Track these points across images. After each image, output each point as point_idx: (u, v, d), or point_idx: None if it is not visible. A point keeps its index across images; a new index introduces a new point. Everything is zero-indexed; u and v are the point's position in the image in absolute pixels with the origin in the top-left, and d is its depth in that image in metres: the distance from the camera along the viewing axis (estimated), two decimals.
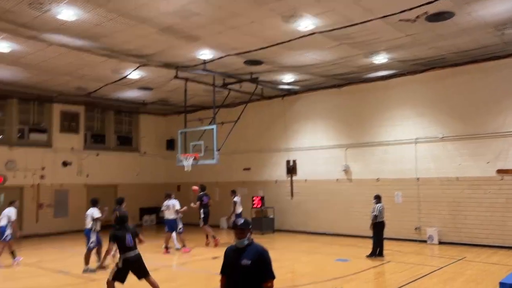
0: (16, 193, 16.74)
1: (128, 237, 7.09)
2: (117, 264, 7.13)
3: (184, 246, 12.76)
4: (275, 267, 4.03)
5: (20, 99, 17.02)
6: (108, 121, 20.24)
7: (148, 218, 20.81)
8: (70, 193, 18.21)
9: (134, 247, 7.16)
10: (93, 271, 9.98)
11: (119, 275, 7.01)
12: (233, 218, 13.75)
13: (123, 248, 7.07)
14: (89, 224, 10.24)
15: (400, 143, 14.37)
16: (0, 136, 16.65)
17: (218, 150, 13.68)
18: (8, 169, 16.44)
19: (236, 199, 14.61)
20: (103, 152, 19.54)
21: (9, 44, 10.96)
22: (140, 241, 7.33)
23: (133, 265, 7.07)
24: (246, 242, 4.05)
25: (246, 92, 15.64)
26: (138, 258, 7.17)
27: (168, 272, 10.13)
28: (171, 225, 12.72)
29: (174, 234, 12.83)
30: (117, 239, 7.09)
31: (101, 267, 10.16)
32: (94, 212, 10.29)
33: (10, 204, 11.33)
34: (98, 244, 10.37)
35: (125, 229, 7.18)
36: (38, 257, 12.27)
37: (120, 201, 11.37)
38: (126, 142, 20.78)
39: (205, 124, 14.94)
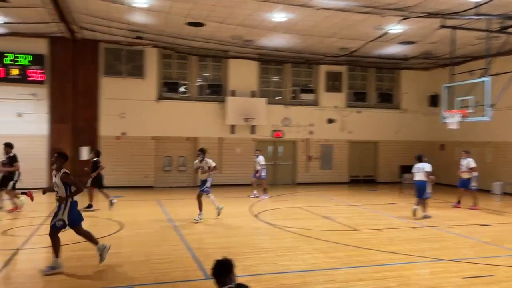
0: (290, 147, 19.42)
1: None
2: None
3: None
4: None
5: (293, 63, 19.25)
6: (368, 78, 20.60)
7: (408, 176, 20.47)
8: (334, 148, 19.75)
9: None
10: (428, 217, 11.11)
11: None
12: None
13: None
14: (423, 177, 11.17)
15: None
16: (279, 97, 19.40)
17: (492, 105, 12.02)
18: (284, 125, 19.12)
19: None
20: (364, 110, 20.15)
21: (285, 14, 12.50)
22: None
23: None
24: None
25: None
26: None
27: (430, 233, 9.84)
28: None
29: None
30: None
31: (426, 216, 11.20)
32: (425, 166, 11.19)
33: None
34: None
35: None
36: (309, 202, 14.01)
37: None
38: (386, 99, 20.70)
39: (475, 77, 13.28)
